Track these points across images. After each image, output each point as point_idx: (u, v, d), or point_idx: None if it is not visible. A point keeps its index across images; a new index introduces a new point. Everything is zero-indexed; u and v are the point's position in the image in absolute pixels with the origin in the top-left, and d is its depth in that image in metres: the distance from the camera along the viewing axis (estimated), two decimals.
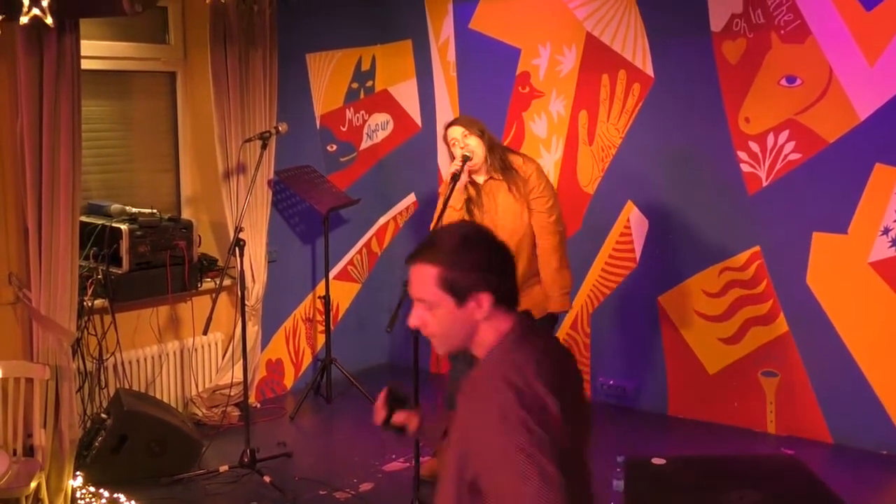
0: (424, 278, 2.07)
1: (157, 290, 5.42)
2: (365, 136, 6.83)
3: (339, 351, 6.31)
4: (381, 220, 6.97)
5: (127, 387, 5.38)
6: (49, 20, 3.84)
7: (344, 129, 6.67)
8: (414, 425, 2.52)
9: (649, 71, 5.70)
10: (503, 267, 2.11)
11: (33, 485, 4.15)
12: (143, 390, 5.47)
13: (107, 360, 5.29)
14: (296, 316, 6.45)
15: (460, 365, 4.61)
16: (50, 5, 3.80)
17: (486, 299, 2.05)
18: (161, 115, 5.94)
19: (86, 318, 5.09)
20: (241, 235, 5.05)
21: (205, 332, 4.93)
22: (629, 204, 5.87)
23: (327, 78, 6.50)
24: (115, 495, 4.60)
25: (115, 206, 5.40)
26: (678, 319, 5.78)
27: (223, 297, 5.85)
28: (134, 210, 5.44)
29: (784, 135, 5.31)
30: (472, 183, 4.62)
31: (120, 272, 5.25)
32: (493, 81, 6.32)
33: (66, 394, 4.69)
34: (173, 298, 5.55)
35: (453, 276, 2.05)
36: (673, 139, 5.68)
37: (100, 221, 5.29)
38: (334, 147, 6.62)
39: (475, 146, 4.59)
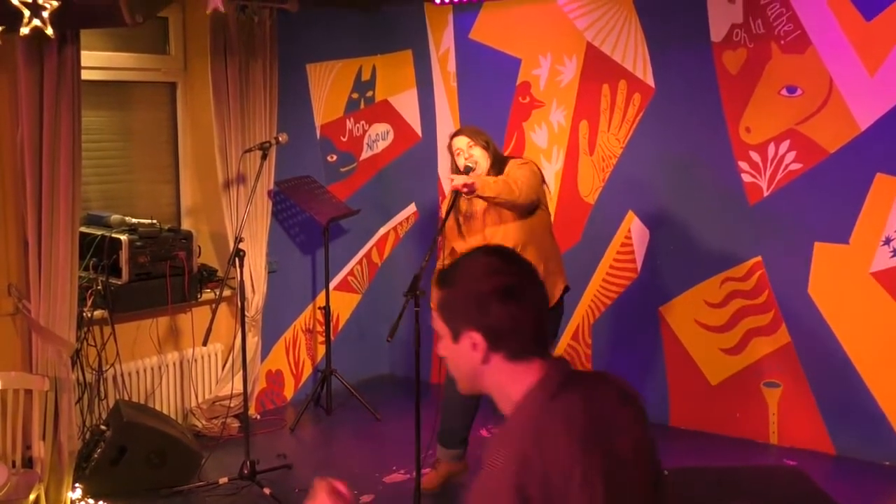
0: (433, 303, 1.98)
1: (157, 301, 5.40)
2: (365, 146, 6.83)
3: (340, 362, 6.29)
4: (382, 231, 6.96)
5: (126, 398, 5.36)
6: (49, 31, 3.85)
7: (344, 140, 6.67)
8: None
9: (650, 81, 5.70)
10: (509, 304, 1.83)
11: (32, 497, 4.12)
12: (142, 401, 5.45)
13: (106, 371, 5.27)
14: (296, 327, 6.44)
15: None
16: (50, 16, 3.82)
17: (478, 339, 1.84)
18: (161, 126, 5.94)
19: (85, 329, 5.08)
20: (241, 246, 5.04)
21: (204, 343, 4.90)
22: (630, 214, 5.87)
23: (327, 88, 6.50)
24: None
25: (115, 217, 5.40)
26: (679, 330, 5.77)
27: (223, 308, 5.83)
28: (134, 221, 5.43)
29: (785, 145, 5.30)
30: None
31: (119, 283, 5.24)
32: (493, 91, 6.31)
33: (65, 405, 4.68)
34: (173, 309, 5.53)
35: (446, 306, 1.89)
36: (674, 149, 5.67)
37: (99, 232, 5.28)
38: (334, 157, 6.62)
39: (479, 157, 4.61)
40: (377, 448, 5.58)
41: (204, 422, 5.73)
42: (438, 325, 1.91)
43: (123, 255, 5.21)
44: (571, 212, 6.00)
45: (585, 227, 6.02)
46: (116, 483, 4.85)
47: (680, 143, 5.65)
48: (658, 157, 5.73)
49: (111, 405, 5.19)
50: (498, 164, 4.62)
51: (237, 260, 4.97)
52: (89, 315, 5.12)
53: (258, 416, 6.13)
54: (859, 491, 4.85)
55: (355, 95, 6.69)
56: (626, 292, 5.95)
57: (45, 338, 4.61)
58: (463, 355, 1.87)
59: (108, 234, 5.25)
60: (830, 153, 5.17)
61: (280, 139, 5.41)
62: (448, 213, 4.55)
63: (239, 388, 5.45)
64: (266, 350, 6.19)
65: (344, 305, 6.75)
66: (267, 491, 4.85)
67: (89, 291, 5.11)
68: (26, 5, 3.80)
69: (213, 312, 4.90)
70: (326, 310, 6.23)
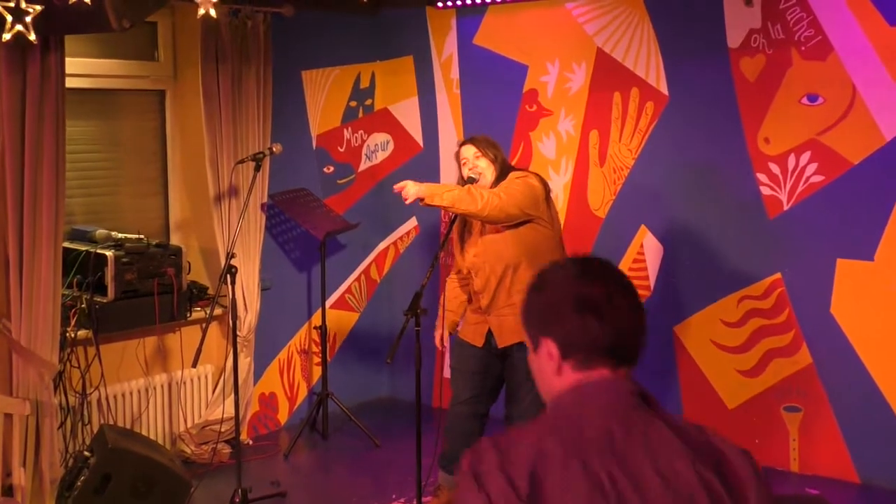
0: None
1: (144, 320, 5.37)
2: (364, 156, 6.77)
3: (336, 384, 6.25)
4: (381, 246, 6.90)
5: (111, 422, 5.30)
6: (32, 37, 3.88)
7: (342, 150, 6.62)
8: None
9: (663, 89, 5.65)
10: (586, 316, 1.80)
11: None
12: (128, 426, 5.40)
13: (90, 394, 5.23)
14: (290, 347, 6.39)
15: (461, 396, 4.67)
16: (34, 21, 3.84)
17: (553, 348, 1.83)
18: (149, 136, 5.94)
19: (68, 349, 5.05)
20: (233, 262, 4.98)
21: (194, 365, 4.88)
22: (643, 229, 5.80)
23: (324, 96, 6.47)
24: None
25: (101, 232, 5.37)
26: (695, 350, 5.68)
27: (214, 328, 5.79)
28: (120, 235, 5.41)
29: (806, 156, 5.23)
30: None
31: (105, 301, 5.21)
32: (498, 99, 6.26)
33: (46, 430, 4.70)
34: (161, 329, 5.50)
35: (526, 313, 1.90)
36: (689, 160, 5.61)
37: (84, 247, 5.25)
38: (331, 168, 6.57)
39: (484, 168, 4.60)
40: (376, 475, 5.54)
41: (193, 448, 5.67)
42: (525, 335, 1.95)
43: (109, 272, 5.17)
44: (581, 226, 5.94)
45: (596, 242, 5.96)
46: None
47: (695, 154, 5.60)
48: (672, 169, 5.67)
49: (95, 430, 5.11)
50: (503, 178, 4.60)
51: (229, 277, 4.92)
52: (73, 335, 5.08)
53: (250, 442, 6.08)
54: None
55: (353, 104, 6.67)
56: None
57: (26, 359, 4.62)
58: (542, 366, 1.88)
59: (92, 249, 5.22)
60: (854, 165, 5.10)
61: (274, 150, 5.38)
62: (450, 226, 4.58)
63: (230, 411, 5.38)
64: (259, 372, 6.15)
65: (341, 324, 6.70)
66: None
67: (73, 310, 5.09)
68: (8, 10, 3.79)
69: (204, 332, 4.88)
70: (323, 329, 6.18)
